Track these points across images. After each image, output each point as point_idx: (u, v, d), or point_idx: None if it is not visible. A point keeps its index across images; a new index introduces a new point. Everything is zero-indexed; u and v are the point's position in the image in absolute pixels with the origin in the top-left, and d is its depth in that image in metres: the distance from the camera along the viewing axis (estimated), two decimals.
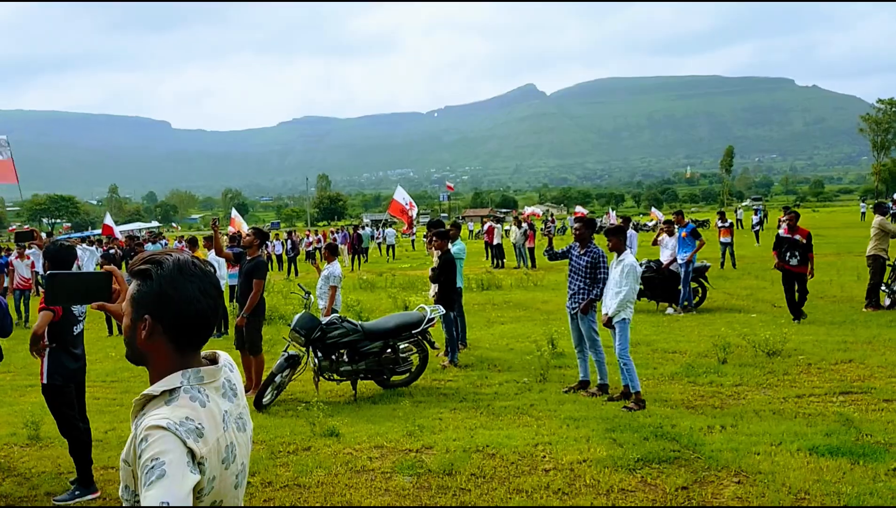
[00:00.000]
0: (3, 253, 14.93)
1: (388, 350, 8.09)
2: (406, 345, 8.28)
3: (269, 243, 31.24)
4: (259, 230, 9.02)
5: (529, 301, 15.61)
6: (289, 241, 28.42)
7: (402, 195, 22.91)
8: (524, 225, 25.79)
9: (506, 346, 10.63)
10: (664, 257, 13.57)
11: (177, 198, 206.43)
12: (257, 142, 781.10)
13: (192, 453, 1.52)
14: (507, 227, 32.74)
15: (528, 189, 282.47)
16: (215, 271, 1.81)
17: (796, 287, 11.56)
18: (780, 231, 11.93)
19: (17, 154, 15.73)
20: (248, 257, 8.48)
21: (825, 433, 5.77)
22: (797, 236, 11.48)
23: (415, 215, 23.62)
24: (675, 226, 13.61)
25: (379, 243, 37.92)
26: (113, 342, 12.60)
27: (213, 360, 1.76)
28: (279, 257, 29.34)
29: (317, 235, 36.05)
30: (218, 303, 1.74)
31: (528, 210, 48.65)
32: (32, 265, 15.46)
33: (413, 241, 41.54)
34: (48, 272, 2.12)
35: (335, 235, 34.63)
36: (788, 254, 11.46)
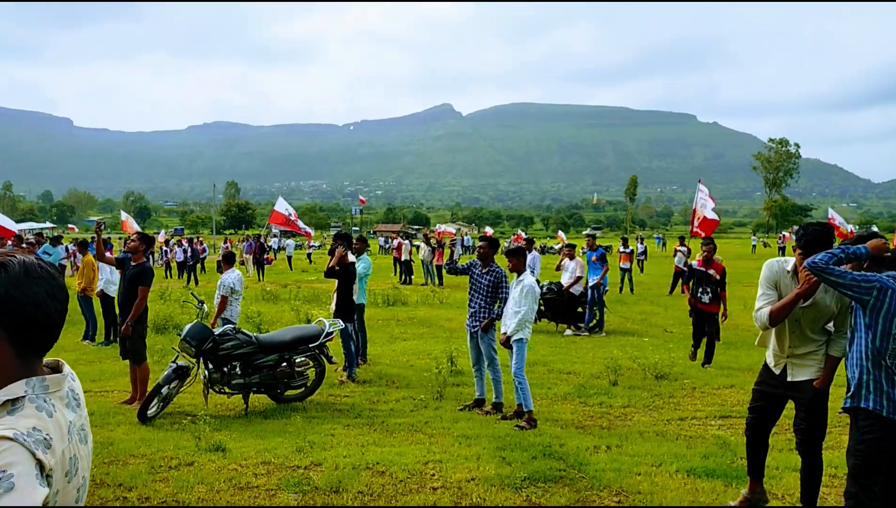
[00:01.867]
0: None
1: (284, 364, 7.92)
2: (302, 359, 8.13)
3: (168, 250, 30.21)
4: (144, 235, 8.64)
5: (434, 318, 15.65)
6: (189, 248, 27.52)
7: (283, 206, 22.77)
8: (433, 242, 25.93)
9: (406, 363, 10.60)
10: (565, 280, 13.90)
11: (75, 198, 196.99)
12: (165, 144, 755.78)
13: (41, 465, 1.43)
14: (416, 243, 32.89)
15: (441, 207, 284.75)
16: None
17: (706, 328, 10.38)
18: (694, 263, 10.74)
19: None
20: (133, 263, 8.13)
21: (703, 456, 6.01)
22: (711, 271, 10.34)
23: (303, 228, 23.63)
24: (578, 250, 14.00)
25: (284, 254, 37.35)
26: None
27: (56, 368, 1.67)
28: (180, 265, 28.36)
29: (225, 243, 35.16)
30: (65, 307, 1.65)
31: (440, 228, 48.95)
32: None
33: (310, 254, 41.00)
34: None
35: (241, 244, 33.83)
36: (700, 290, 10.38)
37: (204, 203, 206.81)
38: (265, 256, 29.27)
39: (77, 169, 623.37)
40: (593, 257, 13.91)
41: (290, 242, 36.94)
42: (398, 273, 27.08)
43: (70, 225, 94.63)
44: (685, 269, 21.66)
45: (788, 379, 4.57)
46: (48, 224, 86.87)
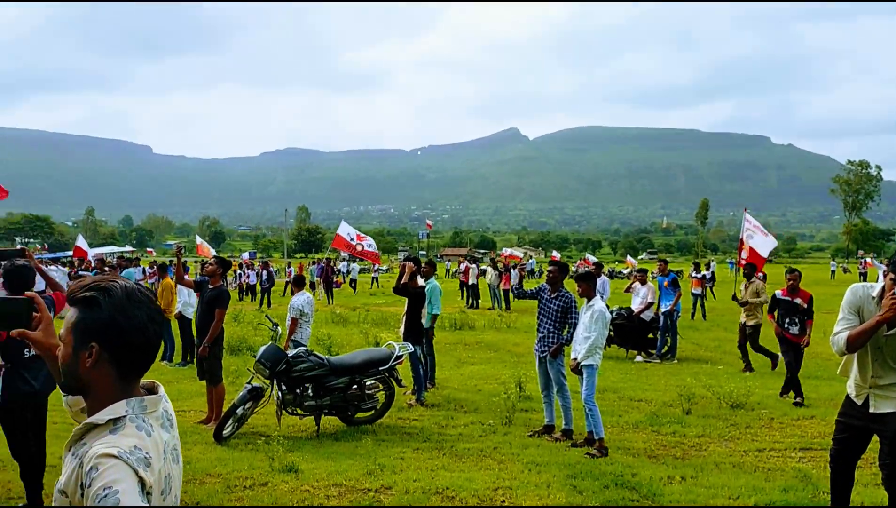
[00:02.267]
0: None
1: (354, 386, 8.02)
2: (372, 382, 8.22)
3: (242, 273, 31.03)
4: (222, 259, 8.98)
5: (501, 343, 15.60)
6: (264, 271, 28.21)
7: (346, 230, 23.00)
8: (500, 266, 25.89)
9: (474, 387, 10.59)
10: (635, 305, 13.68)
11: (153, 223, 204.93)
12: (239, 171, 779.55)
13: (142, 482, 1.50)
14: (483, 267, 32.89)
15: (508, 231, 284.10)
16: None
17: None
18: (778, 292, 10.10)
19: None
20: (211, 286, 8.41)
21: (783, 489, 5.80)
22: (797, 300, 9.76)
23: (368, 248, 23.73)
24: (651, 275, 13.77)
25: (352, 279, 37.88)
26: None
27: (151, 390, 1.75)
28: (252, 288, 29.07)
29: (289, 267, 35.94)
30: (162, 330, 1.73)
31: (506, 252, 48.86)
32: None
33: (376, 278, 41.35)
34: None
35: (311, 267, 34.53)
36: (787, 321, 9.77)
37: (275, 227, 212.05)
38: (334, 279, 29.71)
39: (155, 195, 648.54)
40: (665, 283, 13.68)
41: (355, 265, 37.45)
42: (465, 297, 27.12)
43: (149, 249, 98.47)
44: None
45: (871, 411, 4.38)
46: (128, 248, 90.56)
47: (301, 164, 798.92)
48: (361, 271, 47.67)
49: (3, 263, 5.58)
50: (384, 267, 70.46)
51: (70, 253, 32.19)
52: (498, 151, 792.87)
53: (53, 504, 1.63)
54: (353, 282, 36.48)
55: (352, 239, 23.05)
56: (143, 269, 27.04)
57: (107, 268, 19.73)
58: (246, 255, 45.64)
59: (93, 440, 1.57)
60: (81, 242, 26.70)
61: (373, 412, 8.28)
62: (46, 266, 17.85)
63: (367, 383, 8.15)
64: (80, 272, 15.42)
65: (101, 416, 1.61)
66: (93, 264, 21.96)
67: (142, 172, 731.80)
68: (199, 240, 30.51)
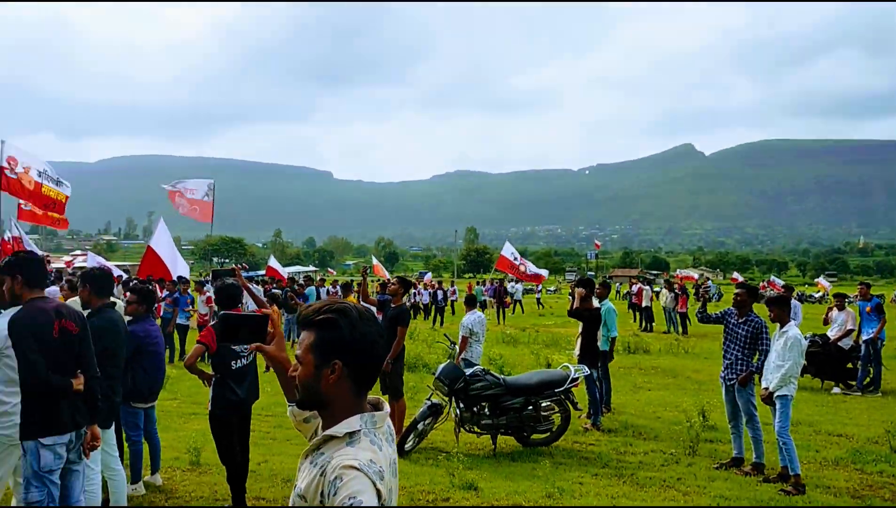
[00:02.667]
0: (182, 290, 16.15)
1: (530, 407, 8.02)
2: (548, 403, 8.18)
3: (416, 292, 32.05)
4: (403, 279, 9.34)
5: (679, 368, 14.96)
6: (439, 291, 29.00)
7: (509, 250, 22.92)
8: (676, 288, 24.89)
9: (652, 414, 10.23)
10: (833, 332, 12.63)
11: (334, 244, 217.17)
12: (411, 193, 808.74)
13: (378, 494, 1.61)
14: (657, 289, 31.76)
15: (682, 251, 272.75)
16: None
17: None
18: None
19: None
20: (393, 305, 8.76)
21: None
22: None
23: (530, 271, 23.49)
24: (850, 300, 12.66)
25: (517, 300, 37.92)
26: (268, 377, 13.30)
27: (376, 405, 1.86)
28: (426, 307, 29.94)
29: (452, 286, 36.63)
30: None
31: (681, 273, 46.92)
32: (209, 300, 16.63)
33: (539, 299, 40.84)
34: (222, 313, 2.30)
35: (480, 287, 35.03)
36: None
37: (445, 248, 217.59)
38: (504, 299, 29.90)
39: (336, 217, 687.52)
40: (867, 308, 12.51)
41: (519, 286, 37.51)
42: (639, 320, 26.31)
43: (329, 268, 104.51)
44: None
45: None
46: (311, 268, 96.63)
47: (470, 185, 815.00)
48: (526, 291, 47.59)
49: (215, 281, 6.16)
50: (552, 288, 70.05)
51: (262, 272, 34.77)
52: (670, 168, 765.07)
53: (290, 506, 1.77)
54: (517, 303, 36.60)
55: (515, 259, 23.19)
56: (328, 290, 28.76)
57: (296, 286, 21.12)
58: (428, 275, 47.27)
59: (332, 451, 1.71)
60: (273, 262, 28.84)
61: (548, 434, 8.23)
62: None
63: (543, 404, 8.12)
64: (273, 291, 16.63)
65: (339, 429, 1.74)
66: (286, 281, 23.58)
67: (324, 197, 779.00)
68: (374, 261, 32.02)
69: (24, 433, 4.06)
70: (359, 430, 1.73)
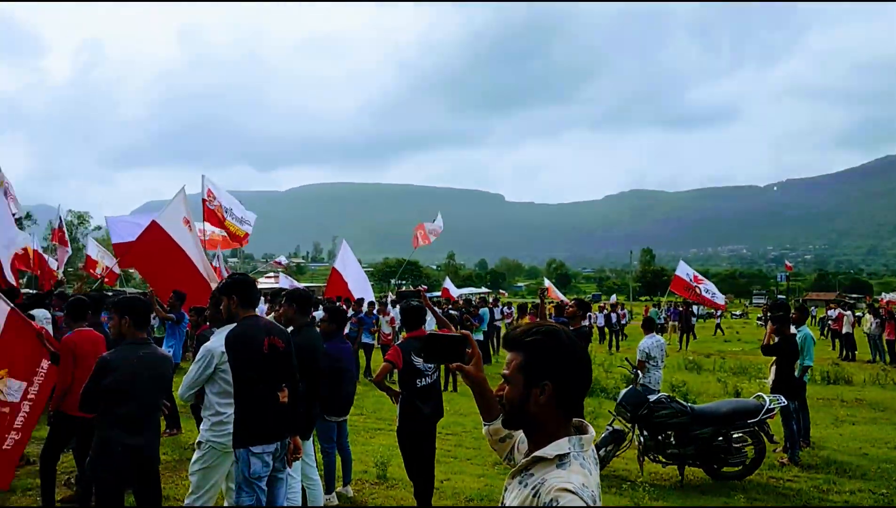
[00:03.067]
0: (368, 311, 16.99)
1: (720, 438, 7.58)
2: (740, 434, 7.69)
3: (590, 315, 31.48)
4: (581, 302, 9.19)
5: (888, 401, 13.52)
6: (612, 313, 28.35)
7: (684, 270, 21.66)
8: (882, 313, 22.58)
9: (858, 450, 9.31)
10: None
11: (505, 266, 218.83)
12: (583, 214, 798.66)
13: None
14: (858, 314, 28.96)
15: (886, 273, 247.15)
16: None
17: None
18: None
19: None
20: (571, 328, 8.64)
21: None
22: None
23: (705, 293, 22.07)
24: None
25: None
26: (448, 396, 13.61)
27: (581, 429, 1.84)
28: (601, 330, 29.34)
29: (622, 309, 35.51)
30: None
31: (886, 297, 42.57)
32: (392, 321, 17.33)
33: (719, 324, 38.21)
34: (427, 334, 2.38)
35: (653, 309, 33.78)
36: None
37: (619, 269, 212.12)
38: (690, 323, 28.52)
39: (507, 239, 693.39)
40: None
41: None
42: (837, 347, 24.14)
43: (501, 290, 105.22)
44: None
45: None
46: (483, 289, 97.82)
47: (645, 205, 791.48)
48: (706, 315, 45.18)
49: (401, 302, 6.40)
50: (737, 312, 66.08)
51: (438, 293, 35.72)
52: (873, 182, 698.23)
53: None
54: (691, 328, 34.64)
55: (690, 280, 22.06)
56: (502, 310, 29.00)
57: (472, 308, 21.46)
58: (613, 298, 46.52)
59: (542, 473, 1.72)
60: (448, 284, 29.58)
61: (741, 467, 7.73)
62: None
63: (734, 435, 7.65)
64: (451, 312, 17.01)
65: (549, 451, 1.74)
66: (461, 303, 24.06)
67: (495, 219, 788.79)
68: (546, 282, 31.78)
69: (236, 441, 4.43)
70: (568, 453, 1.72)
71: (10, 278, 11.15)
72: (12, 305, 5.64)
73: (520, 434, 2.09)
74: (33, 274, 14.44)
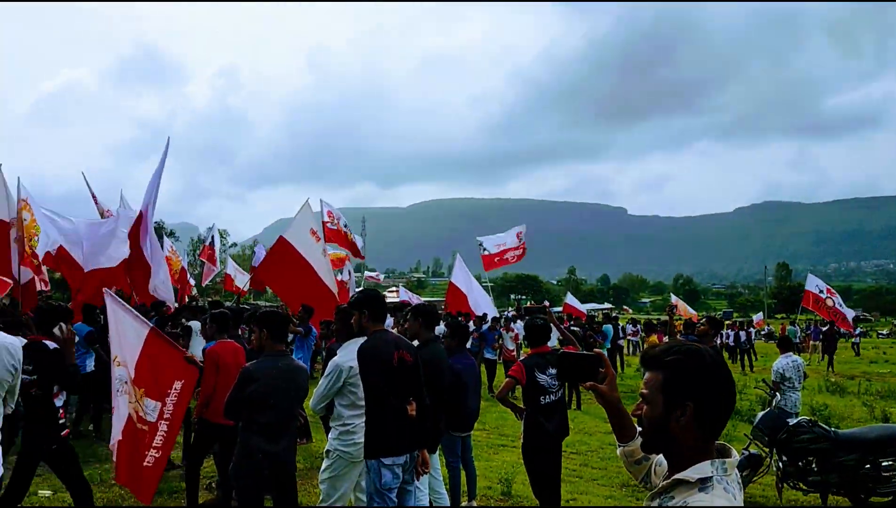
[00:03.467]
0: (490, 327, 17.10)
1: (867, 466, 7.06)
2: (890, 463, 7.13)
3: (722, 333, 30.16)
4: (713, 319, 8.82)
5: None
6: (742, 332, 27.05)
7: (815, 284, 20.23)
8: None
9: None
10: None
11: (628, 281, 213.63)
12: (712, 228, 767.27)
13: None
14: None
15: None
16: None
17: None
18: None
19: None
20: None
21: None
22: None
23: (838, 306, 20.52)
24: None
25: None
26: (572, 414, 13.42)
27: (724, 452, 1.79)
28: (732, 349, 28.04)
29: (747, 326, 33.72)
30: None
31: None
32: (516, 338, 17.37)
33: (857, 344, 35.22)
34: (561, 351, 2.40)
35: (790, 327, 31.90)
36: None
37: (752, 285, 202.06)
38: (834, 343, 26.71)
39: (630, 254, 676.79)
40: None
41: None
42: None
43: (625, 306, 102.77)
44: None
45: None
46: (606, 305, 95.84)
47: (779, 217, 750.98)
48: (847, 335, 42.13)
49: (525, 318, 6.40)
50: (884, 331, 61.37)
51: (559, 309, 35.36)
52: None
53: None
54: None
55: (821, 292, 20.67)
56: (625, 327, 28.38)
57: (595, 324, 21.09)
58: (759, 316, 44.61)
59: (683, 497, 1.69)
60: (571, 299, 29.24)
61: (892, 497, 7.15)
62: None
63: (884, 464, 7.09)
64: (573, 328, 16.80)
65: (691, 474, 1.70)
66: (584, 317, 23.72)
67: (617, 233, 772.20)
68: (673, 298, 30.82)
69: (368, 452, 4.57)
70: (711, 476, 1.68)
71: (167, 295, 11.89)
72: (151, 324, 6.02)
73: (657, 456, 2.06)
74: (174, 286, 15.48)
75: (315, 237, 12.38)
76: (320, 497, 4.95)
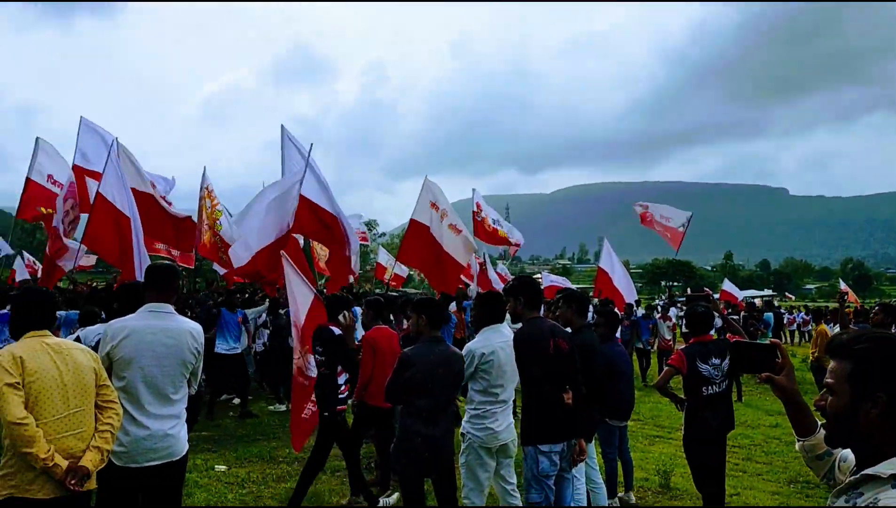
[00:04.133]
0: (645, 315, 16.66)
1: None
2: None
3: None
4: (888, 306, 8.07)
5: None
6: None
7: None
8: None
9: None
10: None
11: (791, 266, 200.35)
12: (885, 207, 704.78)
13: None
14: None
15: None
16: None
17: None
18: None
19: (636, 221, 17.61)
20: None
21: None
22: None
23: None
24: None
25: None
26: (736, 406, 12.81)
27: None
28: None
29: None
30: None
31: None
32: (674, 327, 16.81)
33: None
34: (734, 341, 2.26)
35: None
36: None
37: None
38: None
39: (792, 237, 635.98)
40: None
41: None
42: None
43: (787, 293, 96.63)
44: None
45: None
46: (767, 291, 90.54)
47: None
48: None
49: (687, 305, 6.13)
50: None
51: (716, 296, 33.84)
52: None
53: None
54: None
55: None
56: (786, 314, 26.71)
57: (754, 312, 19.98)
58: None
59: (874, 493, 1.57)
60: (728, 285, 27.83)
61: None
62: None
63: None
64: (731, 316, 16.00)
65: (883, 469, 1.58)
66: (742, 305, 22.54)
67: (777, 216, 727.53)
68: (842, 284, 28.54)
69: (525, 438, 4.57)
70: None
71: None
72: (315, 291, 6.35)
73: (841, 451, 1.93)
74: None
75: (434, 208, 12.72)
76: (461, 482, 4.98)
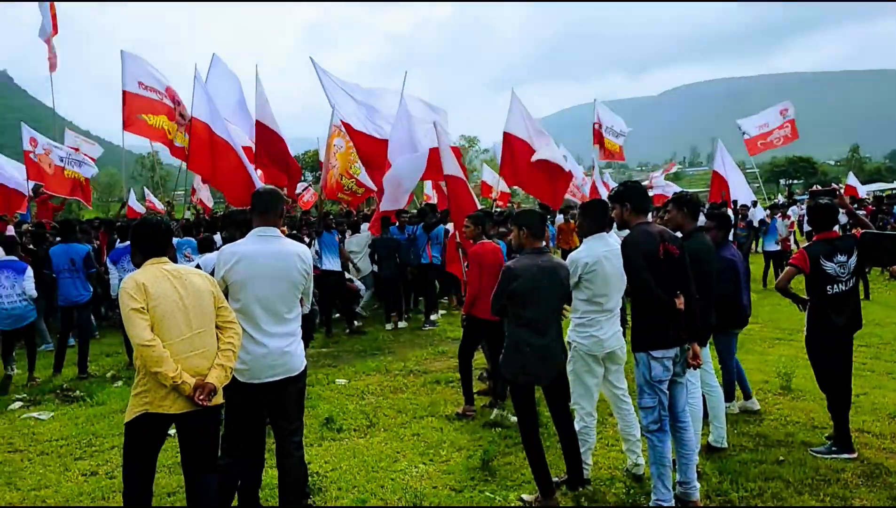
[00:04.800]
0: (767, 216, 15.99)
1: None
2: None
3: None
4: None
5: None
6: None
7: None
8: None
9: None
10: None
11: None
12: None
13: None
14: None
15: None
16: None
17: None
18: None
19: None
20: None
21: None
22: None
23: None
24: None
25: None
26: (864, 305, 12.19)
27: None
28: None
29: None
30: None
31: None
32: (791, 225, 16.28)
33: None
34: (866, 232, 2.08)
35: None
36: None
37: None
38: None
39: None
40: None
41: None
42: None
43: None
44: None
45: None
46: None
47: None
48: None
49: (810, 201, 5.74)
50: None
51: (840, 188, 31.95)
52: None
53: None
54: None
55: None
56: None
57: (883, 205, 18.66)
58: None
59: None
60: (852, 179, 26.23)
61: None
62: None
63: None
64: (857, 211, 15.00)
65: None
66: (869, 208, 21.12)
67: None
68: None
69: (637, 345, 4.49)
70: None
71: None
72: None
73: None
74: None
75: (524, 120, 12.66)
76: (570, 390, 4.99)
